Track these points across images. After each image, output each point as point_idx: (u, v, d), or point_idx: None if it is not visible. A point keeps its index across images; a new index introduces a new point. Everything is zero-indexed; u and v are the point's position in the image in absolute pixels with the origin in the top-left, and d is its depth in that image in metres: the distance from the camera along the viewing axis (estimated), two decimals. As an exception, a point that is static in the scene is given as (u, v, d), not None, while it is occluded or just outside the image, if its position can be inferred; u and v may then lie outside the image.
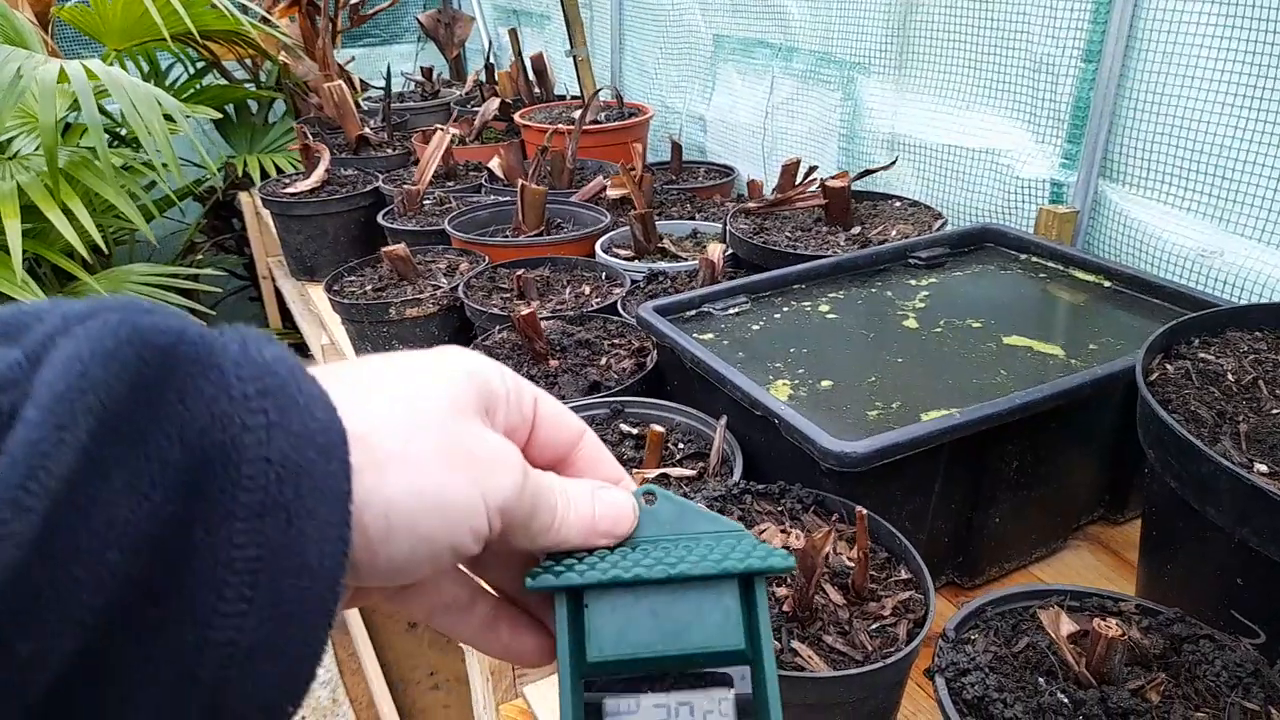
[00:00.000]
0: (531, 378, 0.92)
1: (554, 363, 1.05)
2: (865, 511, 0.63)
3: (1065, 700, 0.58)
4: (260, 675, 0.22)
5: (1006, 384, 0.81)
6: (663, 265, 1.26)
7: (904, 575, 0.68)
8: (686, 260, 1.29)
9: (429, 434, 0.28)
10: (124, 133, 2.27)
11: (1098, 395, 0.79)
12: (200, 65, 2.66)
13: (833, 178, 1.23)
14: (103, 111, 1.86)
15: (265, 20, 2.35)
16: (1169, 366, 0.74)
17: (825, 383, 0.82)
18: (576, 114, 1.80)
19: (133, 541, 0.20)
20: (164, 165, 1.85)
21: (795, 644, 0.61)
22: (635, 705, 0.31)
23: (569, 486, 0.32)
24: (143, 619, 0.21)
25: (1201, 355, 0.74)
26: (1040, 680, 0.60)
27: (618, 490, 0.34)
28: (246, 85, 2.71)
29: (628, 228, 1.35)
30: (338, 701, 1.88)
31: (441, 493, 0.27)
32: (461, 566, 0.35)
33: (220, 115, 2.42)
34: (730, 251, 1.21)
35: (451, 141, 1.75)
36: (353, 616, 2.04)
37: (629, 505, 0.33)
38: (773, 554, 0.32)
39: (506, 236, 1.48)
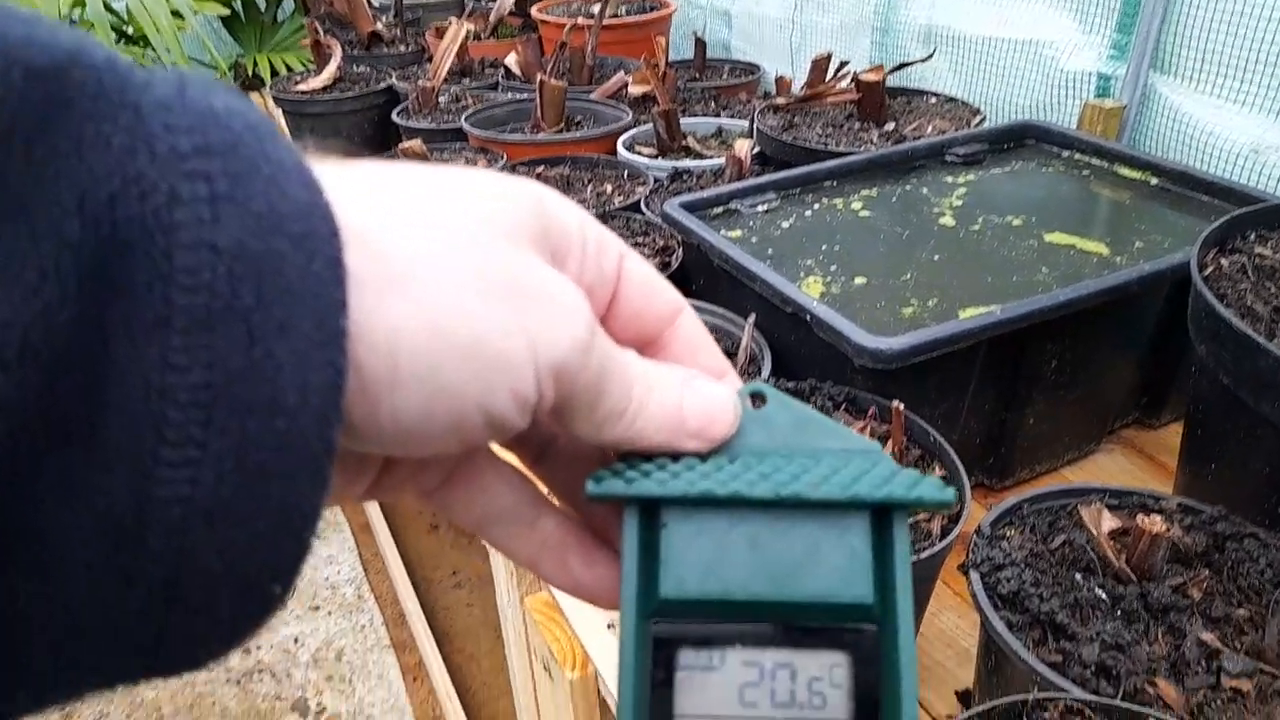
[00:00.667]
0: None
1: (577, 261, 1.02)
2: (901, 406, 0.61)
3: (1103, 595, 0.57)
4: (228, 547, 0.17)
5: (1048, 281, 0.78)
6: (687, 163, 1.22)
7: (938, 472, 0.66)
8: (711, 158, 1.25)
9: (460, 253, 0.20)
10: (131, 31, 2.21)
11: (1144, 293, 0.76)
12: (205, -42, 2.57)
13: (866, 71, 1.17)
14: (108, 9, 1.80)
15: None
16: (1224, 261, 0.71)
17: (858, 280, 0.80)
18: (596, 8, 1.73)
19: (18, 354, 0.14)
20: (173, 64, 1.80)
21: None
22: (719, 660, 0.25)
23: (652, 370, 0.25)
24: (57, 471, 0.15)
25: (1258, 250, 0.71)
26: (1077, 576, 0.59)
27: (716, 384, 0.26)
28: (253, -20, 2.62)
29: (650, 125, 1.31)
30: (363, 598, 1.93)
31: (472, 331, 0.20)
32: (520, 466, 0.28)
33: (228, 12, 2.34)
34: (758, 149, 1.16)
35: (466, 36, 1.69)
36: (375, 516, 2.08)
37: (729, 403, 0.26)
38: (922, 482, 0.24)
39: (525, 134, 1.43)
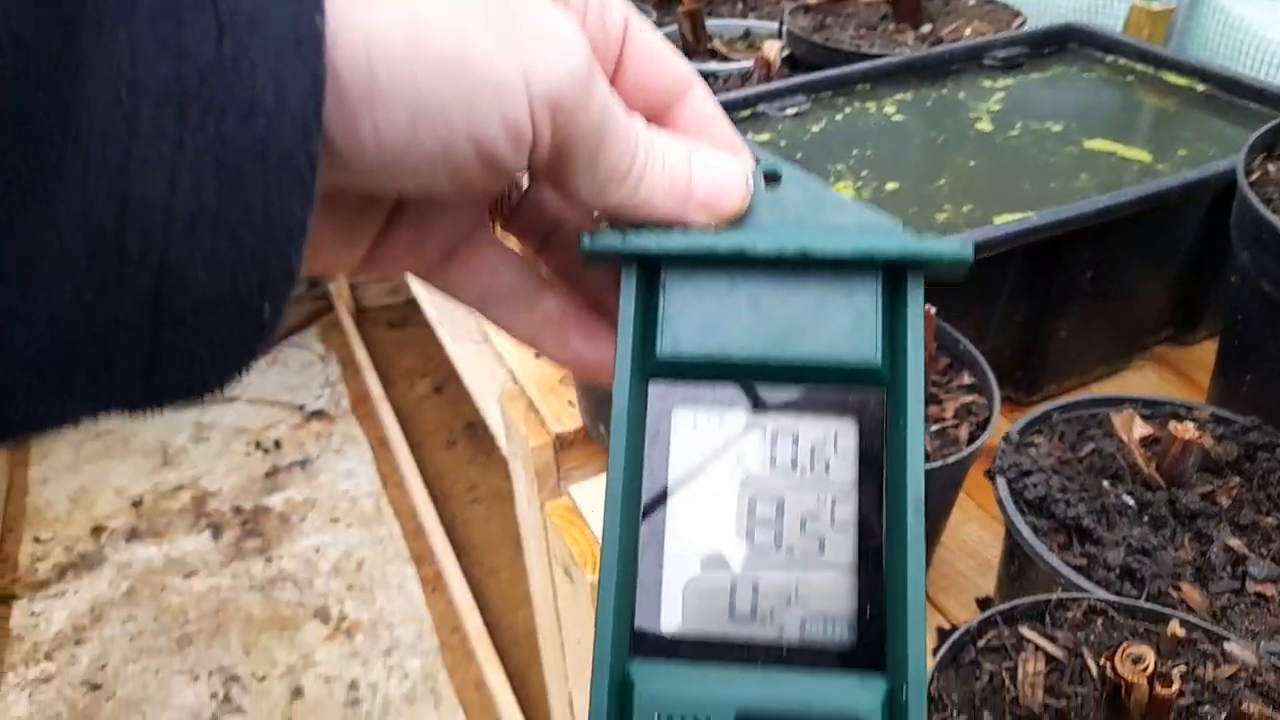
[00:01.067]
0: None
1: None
2: (933, 310, 0.60)
3: (1131, 502, 0.56)
4: (213, 259, 0.17)
5: (1087, 188, 0.75)
6: (713, 65, 1.18)
7: (967, 380, 0.65)
8: (738, 61, 1.21)
9: None
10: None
11: (1186, 201, 0.73)
12: None
13: (902, -28, 1.12)
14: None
15: None
16: (1270, 167, 0.68)
17: (890, 185, 0.77)
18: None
19: None
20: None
21: (853, 442, 0.59)
22: (717, 422, 0.24)
23: (658, 137, 0.24)
24: (33, 169, 0.15)
25: (1310, 155, 0.68)
26: (1105, 483, 0.58)
27: (727, 155, 0.25)
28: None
29: (674, 26, 1.26)
30: (381, 511, 1.96)
31: (456, 45, 0.19)
32: (519, 247, 0.27)
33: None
34: (787, 52, 1.12)
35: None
36: (393, 430, 2.10)
37: (740, 175, 0.24)
38: (942, 240, 0.23)
39: (546, 40, 1.39)
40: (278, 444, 2.14)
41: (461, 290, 0.27)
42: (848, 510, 0.23)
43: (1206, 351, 0.80)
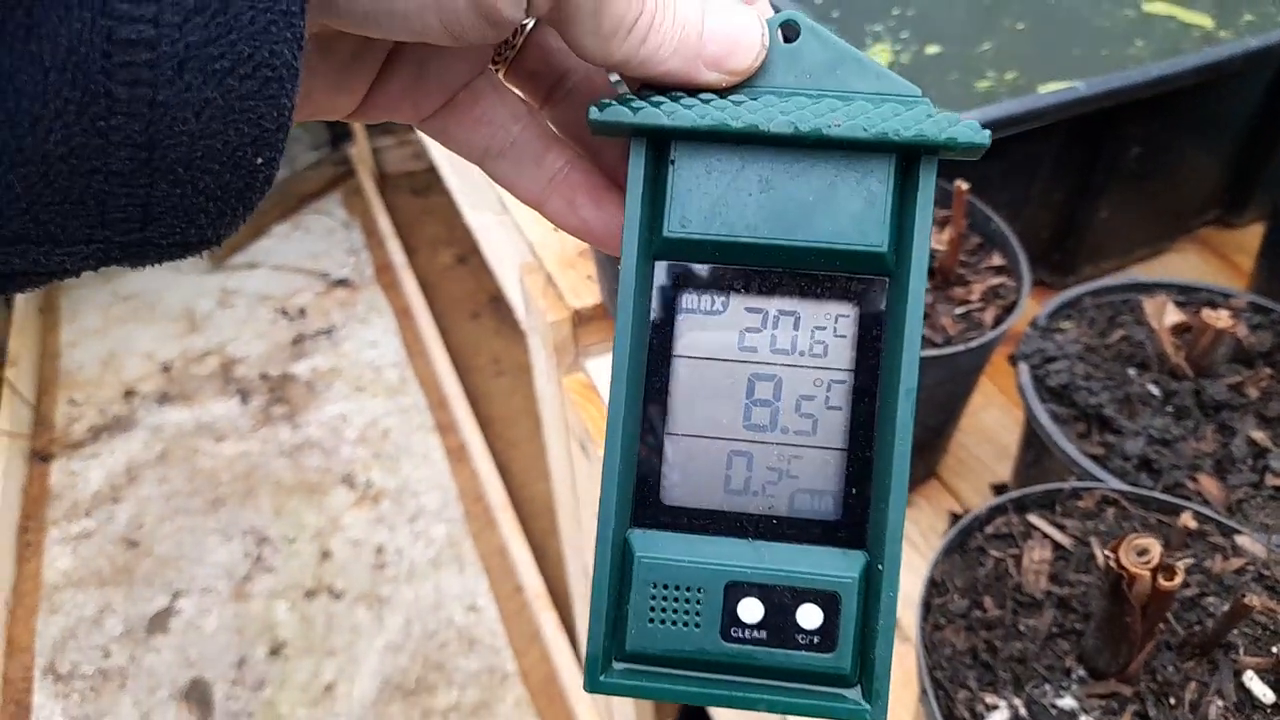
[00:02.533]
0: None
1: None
2: (965, 187, 0.57)
3: (1156, 391, 0.55)
4: (203, 104, 0.17)
5: (1141, 56, 0.70)
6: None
7: (997, 262, 0.62)
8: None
9: None
10: None
11: (1246, 72, 0.68)
12: None
13: None
14: None
15: None
16: (1347, 35, 0.63)
17: (930, 49, 0.72)
18: None
19: None
20: None
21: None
22: (722, 305, 0.24)
23: None
24: (16, 8, 0.15)
25: (1393, 21, 0.62)
26: (1131, 371, 0.56)
27: (742, 6, 0.23)
28: None
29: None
30: (406, 381, 1.98)
31: None
32: (525, 100, 0.26)
33: None
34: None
35: None
36: (416, 300, 2.10)
37: (755, 29, 0.23)
38: (957, 123, 0.22)
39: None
40: (302, 311, 2.16)
41: (462, 142, 0.26)
42: (842, 394, 0.24)
43: (1253, 236, 0.76)
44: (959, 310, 0.58)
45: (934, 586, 0.45)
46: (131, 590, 1.61)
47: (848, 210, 0.23)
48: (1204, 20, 0.75)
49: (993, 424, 0.71)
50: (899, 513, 0.23)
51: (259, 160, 0.18)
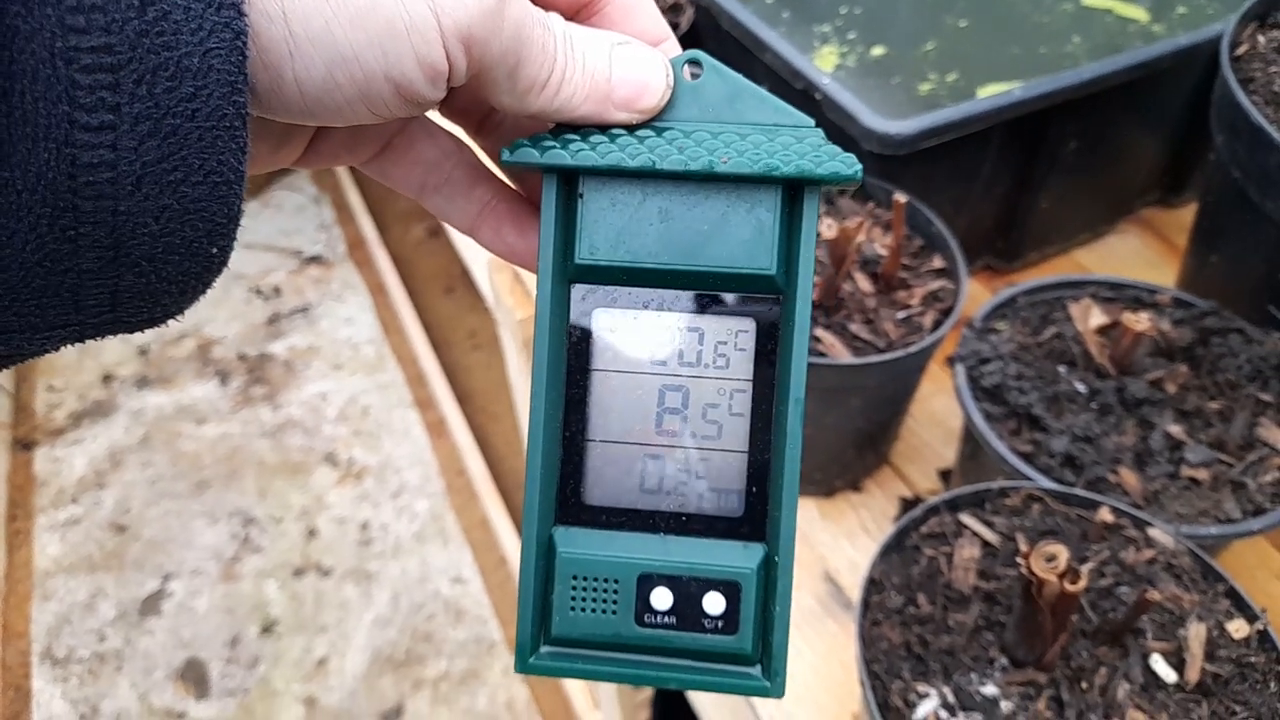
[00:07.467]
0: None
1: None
2: (904, 199, 0.60)
3: (1082, 389, 0.58)
4: (161, 210, 0.19)
5: (1077, 53, 0.73)
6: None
7: (938, 264, 0.66)
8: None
9: None
10: None
11: (1177, 68, 0.71)
12: None
13: None
14: None
15: None
16: (1261, 38, 0.65)
17: (877, 50, 0.75)
18: None
19: None
20: None
21: (819, 331, 0.61)
22: (631, 322, 0.27)
23: (579, 35, 0.24)
24: None
25: (1308, 24, 0.65)
26: (1061, 369, 0.60)
27: (648, 49, 0.25)
28: None
29: None
30: (383, 357, 2.01)
31: None
32: (459, 133, 0.29)
33: None
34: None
35: None
36: (390, 277, 2.11)
37: (661, 71, 0.25)
38: (838, 157, 0.25)
39: None
40: (277, 290, 2.16)
41: (400, 180, 0.28)
42: (744, 401, 0.27)
43: (1190, 213, 0.80)
44: (900, 315, 0.62)
45: (872, 585, 0.50)
46: (122, 574, 1.64)
47: (739, 237, 0.26)
48: (1139, 13, 0.77)
49: (942, 409, 0.75)
50: (791, 509, 0.26)
51: (214, 250, 0.20)
